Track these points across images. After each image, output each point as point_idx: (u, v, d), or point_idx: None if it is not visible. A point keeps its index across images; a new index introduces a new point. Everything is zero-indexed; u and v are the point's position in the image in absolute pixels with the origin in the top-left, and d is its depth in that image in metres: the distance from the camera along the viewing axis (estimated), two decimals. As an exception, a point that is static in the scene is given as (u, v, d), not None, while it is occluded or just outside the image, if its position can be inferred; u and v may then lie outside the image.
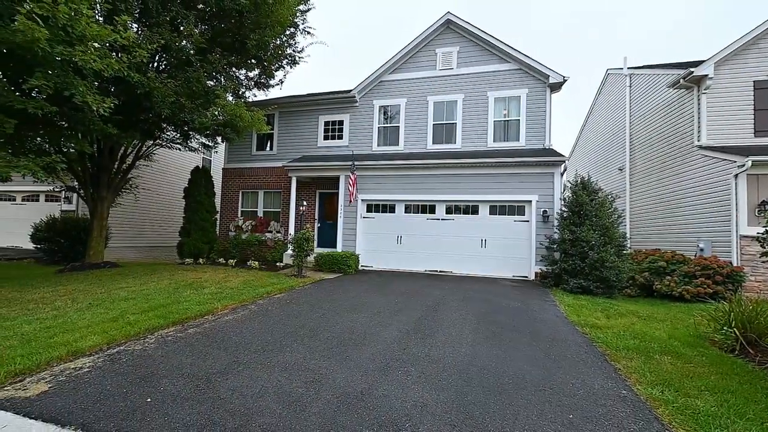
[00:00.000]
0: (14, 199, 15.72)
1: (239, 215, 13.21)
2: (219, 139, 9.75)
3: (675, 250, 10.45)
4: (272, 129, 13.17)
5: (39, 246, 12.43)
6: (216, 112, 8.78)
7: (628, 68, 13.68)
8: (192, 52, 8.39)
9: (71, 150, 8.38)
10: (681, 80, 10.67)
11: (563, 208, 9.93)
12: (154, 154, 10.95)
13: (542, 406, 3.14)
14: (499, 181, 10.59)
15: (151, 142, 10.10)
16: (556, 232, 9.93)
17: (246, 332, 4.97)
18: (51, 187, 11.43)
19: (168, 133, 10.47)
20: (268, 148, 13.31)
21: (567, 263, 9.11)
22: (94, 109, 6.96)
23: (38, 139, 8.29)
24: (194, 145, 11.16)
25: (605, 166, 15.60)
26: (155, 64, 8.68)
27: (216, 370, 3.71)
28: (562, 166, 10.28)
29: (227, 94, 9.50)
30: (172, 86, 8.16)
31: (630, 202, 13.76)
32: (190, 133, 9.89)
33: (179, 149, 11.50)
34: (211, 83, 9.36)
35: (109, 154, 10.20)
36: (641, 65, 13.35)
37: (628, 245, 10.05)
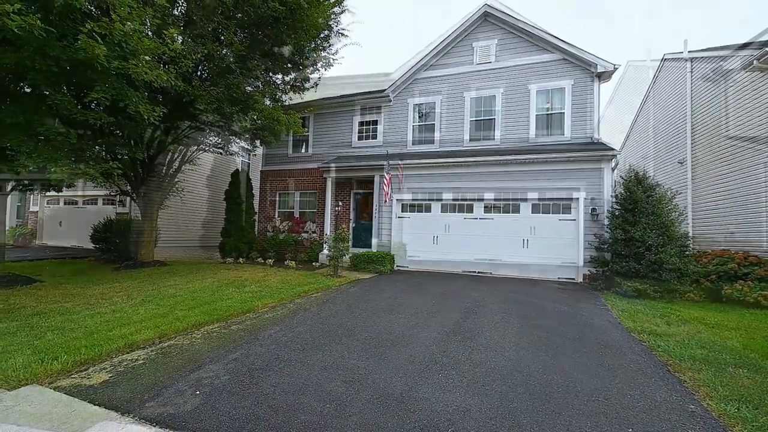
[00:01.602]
0: (76, 203, 17.43)
1: (276, 216, 13.73)
2: (258, 142, 10.19)
3: (748, 252, 9.46)
4: (307, 131, 13.56)
5: (97, 245, 13.66)
6: (255, 117, 9.19)
7: (689, 52, 12.59)
8: (232, 59, 8.85)
9: (125, 156, 9.15)
10: (754, 61, 9.65)
11: (615, 206, 9.33)
12: (198, 158, 11.67)
13: (596, 418, 2.96)
14: (542, 178, 10.15)
15: (195, 147, 10.78)
16: (606, 232, 9.35)
17: (286, 330, 5.15)
18: (108, 192, 12.53)
19: (211, 138, 11.11)
20: (303, 150, 13.73)
21: (620, 265, 8.54)
22: (146, 117, 7.54)
23: (96, 147, 9.11)
24: (234, 149, 11.76)
25: (662, 159, 14.46)
26: (198, 73, 9.24)
27: (258, 365, 3.86)
28: (613, 160, 9.66)
29: (264, 99, 9.91)
30: (215, 93, 8.65)
31: (692, 199, 12.65)
32: (231, 137, 10.43)
33: (221, 153, 12.17)
34: (250, 89, 9.80)
35: (156, 159, 11.01)
36: (704, 48, 12.24)
37: (691, 245, 9.21)
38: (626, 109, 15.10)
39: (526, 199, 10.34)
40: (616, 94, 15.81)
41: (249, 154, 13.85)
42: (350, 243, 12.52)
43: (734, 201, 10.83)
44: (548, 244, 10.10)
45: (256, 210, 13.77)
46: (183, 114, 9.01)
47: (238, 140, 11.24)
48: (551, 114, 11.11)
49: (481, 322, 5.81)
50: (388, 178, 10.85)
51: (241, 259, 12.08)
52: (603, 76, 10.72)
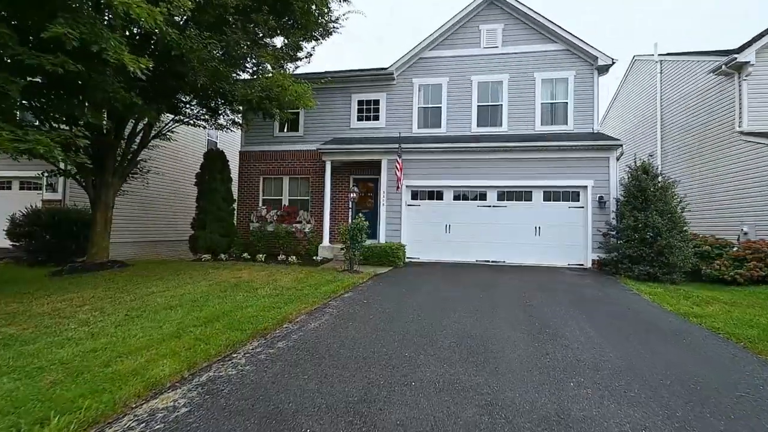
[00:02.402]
0: (-25, 188, 13.26)
1: (260, 204, 11.91)
2: (260, 114, 8.42)
3: (713, 235, 10.53)
4: (299, 109, 11.90)
5: (17, 243, 10.53)
6: (259, 83, 7.49)
7: (659, 55, 13.68)
8: (233, 9, 7.06)
9: (86, 122, 6.79)
10: (723, 66, 10.64)
11: (621, 194, 9.66)
12: (173, 132, 9.40)
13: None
14: (552, 167, 10.13)
15: (171, 117, 8.47)
16: (613, 219, 9.66)
17: (348, 342, 4.14)
18: (37, 173, 9.55)
19: (192, 107, 8.89)
20: (293, 129, 12.04)
21: (631, 249, 8.83)
22: (131, 69, 5.61)
23: (44, 104, 6.67)
24: (222, 122, 9.69)
25: (632, 152, 15.68)
26: (189, 23, 7.24)
27: (355, 397, 2.86)
28: (618, 150, 9.98)
29: (265, 63, 8.21)
30: (213, 48, 6.84)
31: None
32: (222, 107, 8.43)
33: (204, 127, 9.97)
34: (247, 50, 8.02)
35: (117, 130, 8.58)
36: (673, 52, 13.39)
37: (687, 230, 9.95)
38: (628, 102, 15.96)
39: (537, 187, 10.25)
40: (620, 90, 16.44)
41: (242, 130, 11.42)
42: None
43: (700, 190, 12.04)
44: (559, 231, 10.16)
45: (235, 197, 11.80)
46: (169, 74, 7.00)
47: (228, 112, 9.20)
48: (556, 104, 11.16)
49: (545, 314, 5.49)
50: (400, 162, 9.93)
51: (222, 256, 10.18)
52: (603, 70, 11.02)
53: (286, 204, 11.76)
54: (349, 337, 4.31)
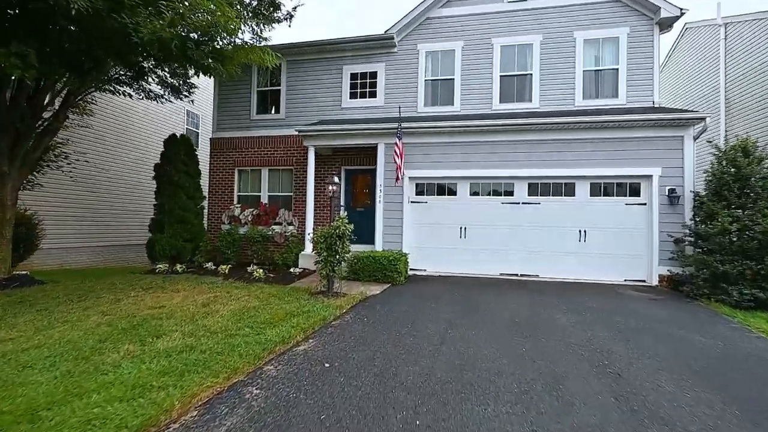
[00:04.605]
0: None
1: (235, 202, 9.34)
2: (193, 74, 5.82)
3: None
4: (279, 84, 9.28)
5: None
6: (172, 7, 4.55)
7: (723, 18, 10.43)
8: None
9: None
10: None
11: (704, 186, 6.64)
12: (93, 103, 6.87)
13: None
14: (602, 150, 7.16)
15: (76, 79, 5.77)
16: (691, 219, 6.65)
17: None
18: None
19: (102, 68, 6.02)
20: (273, 111, 9.39)
21: (728, 264, 5.79)
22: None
23: None
24: (155, 88, 7.06)
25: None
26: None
27: None
28: (697, 126, 6.92)
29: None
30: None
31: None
32: (142, 63, 5.68)
33: (130, 95, 7.31)
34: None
35: (12, 103, 6.02)
36: (742, 13, 10.11)
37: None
38: (680, 74, 12.57)
39: (582, 177, 7.29)
40: (670, 57, 12.96)
41: (181, 96, 8.66)
42: (342, 237, 8.66)
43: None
44: (612, 236, 7.17)
45: (205, 194, 9.27)
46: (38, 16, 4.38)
47: (158, 70, 6.41)
48: (602, 71, 8.16)
49: (659, 404, 2.60)
50: (400, 146, 7.15)
51: (179, 266, 7.63)
52: (665, 25, 7.96)
53: (265, 202, 9.14)
54: None
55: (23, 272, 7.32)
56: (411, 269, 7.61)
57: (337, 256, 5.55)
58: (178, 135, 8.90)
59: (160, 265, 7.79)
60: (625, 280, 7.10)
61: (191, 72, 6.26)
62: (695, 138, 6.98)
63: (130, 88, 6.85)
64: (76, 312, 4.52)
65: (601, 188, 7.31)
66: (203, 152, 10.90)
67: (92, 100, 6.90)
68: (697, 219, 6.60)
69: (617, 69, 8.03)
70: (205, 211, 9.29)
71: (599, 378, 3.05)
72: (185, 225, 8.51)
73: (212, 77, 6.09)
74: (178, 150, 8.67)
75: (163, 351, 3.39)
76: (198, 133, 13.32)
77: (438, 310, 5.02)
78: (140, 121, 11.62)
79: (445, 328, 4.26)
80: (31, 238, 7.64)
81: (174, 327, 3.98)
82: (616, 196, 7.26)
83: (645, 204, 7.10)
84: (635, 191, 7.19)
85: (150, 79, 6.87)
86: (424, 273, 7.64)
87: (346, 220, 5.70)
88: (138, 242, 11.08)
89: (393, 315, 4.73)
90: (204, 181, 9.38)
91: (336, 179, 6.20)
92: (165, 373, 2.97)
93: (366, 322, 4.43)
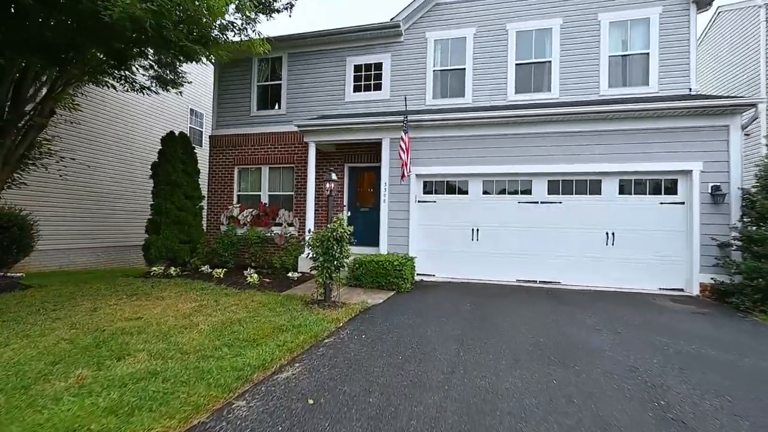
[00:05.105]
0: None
1: (235, 202, 8.84)
2: (180, 63, 5.28)
3: None
4: (280, 78, 8.73)
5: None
6: None
7: (763, -3, 9.35)
8: None
9: None
10: None
11: (755, 183, 5.75)
12: (78, 96, 6.41)
13: None
14: (633, 143, 6.32)
15: (55, 67, 5.28)
16: (739, 221, 5.77)
17: None
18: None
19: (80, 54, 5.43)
20: (274, 107, 8.85)
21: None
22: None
23: None
24: (141, 78, 6.52)
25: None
26: None
27: None
28: (747, 114, 6.01)
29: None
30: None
31: None
32: (122, 47, 5.07)
33: (114, 86, 6.78)
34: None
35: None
36: (785, -10, 9.03)
37: None
38: (712, 63, 11.48)
39: (610, 173, 6.46)
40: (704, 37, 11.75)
41: (169, 87, 8.02)
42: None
43: None
44: (645, 239, 6.32)
45: (204, 193, 8.80)
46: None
47: (142, 57, 5.81)
48: (630, 57, 7.29)
49: None
50: (407, 140, 6.47)
51: (173, 269, 7.15)
52: (703, 3, 7.05)
53: (265, 202, 8.60)
54: None
55: (18, 274, 7.00)
56: (418, 274, 6.92)
57: (335, 262, 4.92)
58: (176, 132, 8.46)
59: (155, 268, 7.33)
60: (660, 289, 6.25)
61: (176, 60, 5.70)
62: (743, 127, 6.07)
63: (112, 78, 6.32)
64: (44, 324, 4.01)
65: (631, 185, 6.46)
66: (208, 151, 10.45)
67: (78, 93, 6.45)
68: (747, 220, 5.73)
69: (647, 53, 7.16)
70: (205, 211, 8.82)
71: (660, 429, 2.31)
72: (182, 226, 8.04)
73: (197, 63, 5.53)
74: (175, 147, 8.20)
75: (120, 378, 2.81)
76: (202, 132, 12.93)
77: (447, 324, 4.33)
78: (144, 119, 11.28)
79: (455, 349, 3.57)
80: (25, 239, 7.28)
81: (142, 345, 3.42)
82: (650, 194, 6.40)
83: (683, 203, 6.23)
84: (671, 188, 6.32)
85: (135, 69, 6.37)
86: (432, 279, 6.95)
87: (345, 222, 5.08)
88: (140, 243, 10.70)
89: (396, 331, 4.06)
90: (204, 181, 8.92)
91: (333, 176, 5.56)
92: (112, 411, 2.39)
93: (364, 340, 3.78)
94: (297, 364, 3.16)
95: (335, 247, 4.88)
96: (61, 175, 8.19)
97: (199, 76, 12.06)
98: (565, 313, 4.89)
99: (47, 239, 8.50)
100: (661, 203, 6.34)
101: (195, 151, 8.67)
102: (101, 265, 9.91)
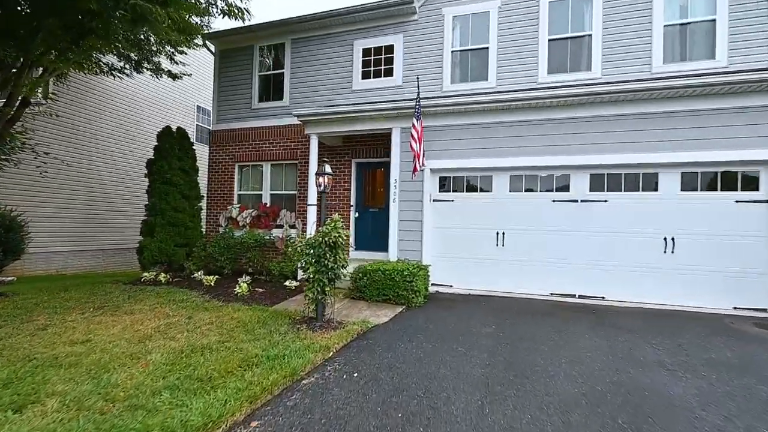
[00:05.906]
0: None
1: (235, 202, 8.13)
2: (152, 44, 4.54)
3: None
4: (282, 67, 7.94)
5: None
6: None
7: None
8: None
9: None
10: None
11: None
12: (64, 83, 5.83)
13: None
14: (699, 126, 5.04)
15: (40, 50, 4.67)
16: None
17: None
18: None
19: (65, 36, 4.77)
20: (276, 98, 8.07)
21: None
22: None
23: None
24: (148, 65, 5.86)
25: None
26: None
27: None
28: None
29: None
30: None
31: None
32: (79, 18, 4.32)
33: (82, 67, 6.03)
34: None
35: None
36: None
37: None
38: None
39: (669, 165, 5.19)
40: None
41: (142, 69, 7.28)
42: (351, 245, 7.13)
43: None
44: (713, 245, 5.02)
45: (203, 193, 8.15)
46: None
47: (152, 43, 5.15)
48: (690, 25, 5.97)
49: None
50: (419, 128, 5.48)
51: (163, 276, 6.47)
52: (787, -44, 5.64)
53: (266, 202, 7.83)
54: None
55: (9, 278, 6.53)
56: (433, 284, 5.90)
57: (329, 273, 4.00)
58: (181, 128, 7.85)
59: (146, 274, 6.70)
60: (735, 308, 4.93)
61: (135, 27, 4.86)
62: None
63: (74, 53, 5.51)
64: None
65: (697, 179, 5.17)
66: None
67: (79, 94, 5.89)
68: None
69: (713, 21, 5.81)
70: (204, 212, 8.17)
71: None
72: (178, 228, 7.40)
73: (157, 33, 4.72)
74: (172, 143, 7.58)
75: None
76: (210, 129, 12.37)
77: (467, 357, 3.31)
78: (147, 117, 10.82)
79: (479, 401, 2.55)
80: (14, 241, 6.83)
81: (62, 386, 2.59)
82: (721, 190, 5.09)
83: (766, 202, 4.90)
84: (751, 183, 4.99)
85: (101, 48, 5.69)
86: (449, 290, 5.90)
87: (341, 224, 4.13)
88: (124, 246, 10.22)
89: (399, 368, 3.09)
90: (205, 181, 8.27)
91: (328, 168, 4.63)
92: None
93: (354, 382, 2.82)
94: (254, 423, 2.25)
95: (328, 254, 3.96)
96: (45, 175, 7.56)
97: (206, 71, 11.53)
98: (620, 342, 3.75)
99: (44, 241, 8.12)
100: (737, 201, 5.01)
101: (194, 147, 8.04)
102: (100, 268, 9.49)
